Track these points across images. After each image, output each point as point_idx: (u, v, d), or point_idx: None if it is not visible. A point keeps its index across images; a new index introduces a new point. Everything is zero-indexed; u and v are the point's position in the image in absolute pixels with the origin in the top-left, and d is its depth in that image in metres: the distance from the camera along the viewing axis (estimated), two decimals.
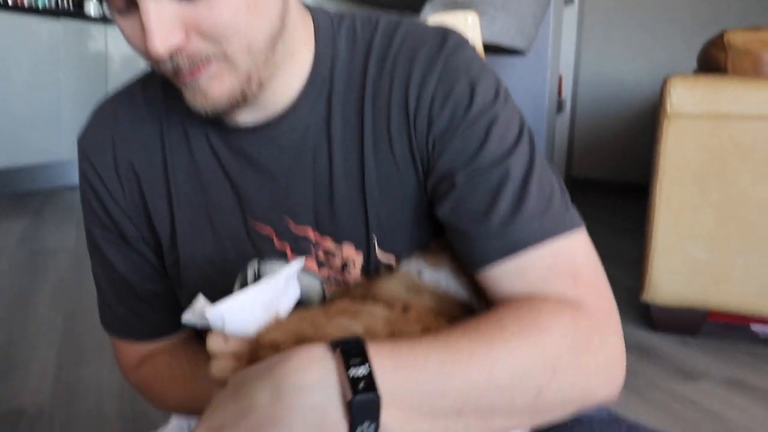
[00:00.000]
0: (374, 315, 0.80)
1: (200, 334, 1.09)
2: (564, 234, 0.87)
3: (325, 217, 1.00)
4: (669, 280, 2.60)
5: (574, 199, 0.92)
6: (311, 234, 1.02)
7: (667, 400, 2.19)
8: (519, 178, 0.89)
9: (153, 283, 1.12)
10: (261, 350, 0.73)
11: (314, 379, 0.63)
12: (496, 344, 0.75)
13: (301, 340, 0.72)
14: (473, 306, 0.93)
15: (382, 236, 1.03)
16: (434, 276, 0.95)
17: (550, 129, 4.73)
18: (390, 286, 0.92)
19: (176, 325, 1.15)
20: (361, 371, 0.63)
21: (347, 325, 0.77)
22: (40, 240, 4.04)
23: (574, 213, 0.90)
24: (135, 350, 1.18)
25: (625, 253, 3.74)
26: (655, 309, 2.71)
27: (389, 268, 0.94)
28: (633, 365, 2.46)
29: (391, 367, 0.67)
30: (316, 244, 1.02)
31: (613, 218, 4.85)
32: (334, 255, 1.02)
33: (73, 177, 5.69)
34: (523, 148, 0.91)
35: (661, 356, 2.54)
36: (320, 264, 1.03)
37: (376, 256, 1.00)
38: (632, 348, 2.61)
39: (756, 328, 2.80)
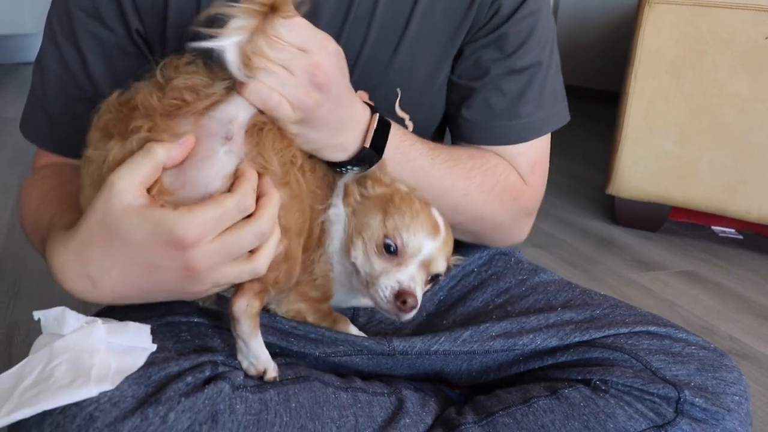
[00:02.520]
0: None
1: None
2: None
3: (350, 57, 0.99)
4: (635, 173, 2.58)
5: None
6: None
7: (623, 287, 2.20)
8: (546, 74, 1.17)
9: (99, 90, 1.07)
10: None
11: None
12: (477, 179, 1.12)
13: None
14: None
15: (404, 92, 1.13)
16: None
17: None
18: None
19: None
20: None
21: None
22: (0, 109, 3.93)
23: (566, 108, 1.23)
24: (47, 158, 1.17)
25: (597, 154, 3.71)
26: (619, 202, 2.70)
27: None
28: (593, 254, 2.47)
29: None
30: None
31: (588, 121, 4.80)
32: None
33: (33, 53, 5.41)
34: (553, 47, 1.19)
35: (620, 248, 2.55)
36: None
37: (394, 110, 1.14)
38: (594, 238, 2.62)
39: (717, 228, 2.80)
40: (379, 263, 0.98)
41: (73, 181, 0.95)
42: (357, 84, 1.01)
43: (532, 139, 1.18)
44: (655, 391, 0.90)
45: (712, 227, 2.80)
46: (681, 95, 2.46)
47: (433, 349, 1.02)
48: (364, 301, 1.08)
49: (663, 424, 0.89)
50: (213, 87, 0.86)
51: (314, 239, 1.01)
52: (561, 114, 1.22)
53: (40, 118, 1.15)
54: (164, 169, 0.82)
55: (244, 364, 0.91)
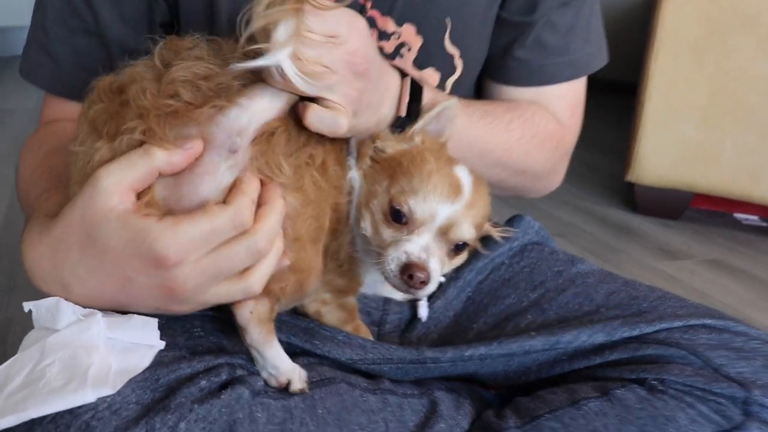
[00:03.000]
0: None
1: None
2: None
3: None
4: (655, 159, 2.49)
5: None
6: (368, 5, 1.01)
7: (651, 276, 2.12)
8: (591, 6, 1.17)
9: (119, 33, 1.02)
10: None
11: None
12: (517, 131, 1.09)
13: None
14: None
15: (453, 25, 1.07)
16: None
17: None
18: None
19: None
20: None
21: None
22: None
23: (606, 47, 1.22)
24: (52, 109, 1.11)
25: (610, 143, 3.62)
26: (639, 189, 2.61)
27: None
28: (614, 243, 2.38)
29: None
30: (371, 20, 0.98)
31: (601, 112, 4.72)
32: (389, 37, 1.02)
33: None
34: None
35: (642, 236, 2.47)
36: None
37: (443, 44, 1.07)
38: (613, 227, 2.53)
39: (739, 215, 2.71)
40: (388, 233, 0.88)
41: None
42: (403, 13, 0.96)
43: (582, 75, 1.18)
44: (719, 390, 0.81)
45: (735, 214, 2.71)
46: (702, 77, 2.37)
47: (467, 354, 0.93)
48: (400, 294, 1.00)
49: (730, 429, 0.79)
50: (220, 79, 0.75)
51: (344, 225, 0.92)
52: (603, 52, 1.21)
53: (39, 56, 1.08)
54: (159, 176, 0.73)
55: (264, 375, 0.81)
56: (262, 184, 0.76)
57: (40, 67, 1.09)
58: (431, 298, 1.05)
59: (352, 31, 0.79)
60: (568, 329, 0.93)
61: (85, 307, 0.76)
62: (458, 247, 0.91)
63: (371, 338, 0.98)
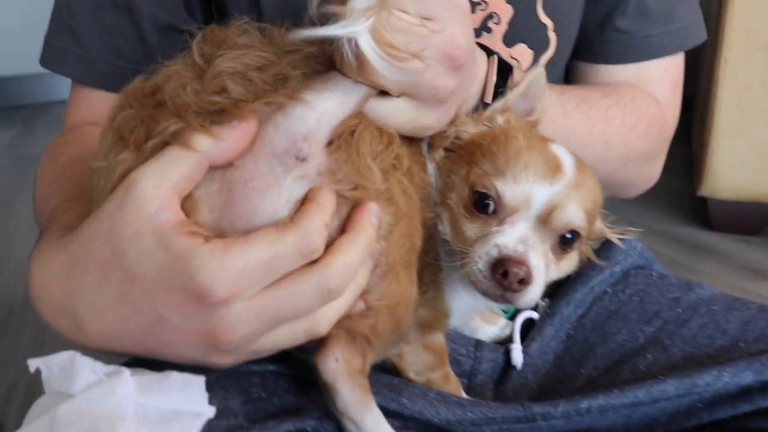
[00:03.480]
0: None
1: None
2: None
3: None
4: (731, 171, 2.30)
5: None
6: None
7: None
8: None
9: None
10: None
11: None
12: (617, 119, 0.95)
13: None
14: None
15: None
16: None
17: None
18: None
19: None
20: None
21: None
22: (29, 147, 3.82)
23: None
24: (78, 107, 0.98)
25: (670, 158, 3.44)
26: (714, 205, 2.41)
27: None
28: (693, 264, 2.20)
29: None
30: None
31: None
32: (474, 9, 0.90)
33: (67, 90, 5.36)
34: None
35: (722, 255, 2.28)
36: None
37: (536, 14, 0.95)
38: (689, 246, 2.34)
39: None
40: (471, 228, 0.72)
41: None
42: None
43: (688, 46, 1.06)
44: None
45: None
46: None
47: (583, 407, 0.76)
48: (491, 330, 0.87)
49: None
50: (277, 69, 0.61)
51: (431, 244, 0.76)
52: (703, 22, 1.08)
53: (62, 38, 0.96)
54: (205, 181, 0.58)
55: None
56: (339, 197, 0.60)
57: (63, 51, 0.96)
58: (524, 340, 0.89)
59: (455, 13, 0.64)
60: (704, 369, 0.76)
61: (98, 350, 0.60)
62: (566, 241, 0.74)
63: (462, 391, 0.82)
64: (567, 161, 0.74)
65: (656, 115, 1.02)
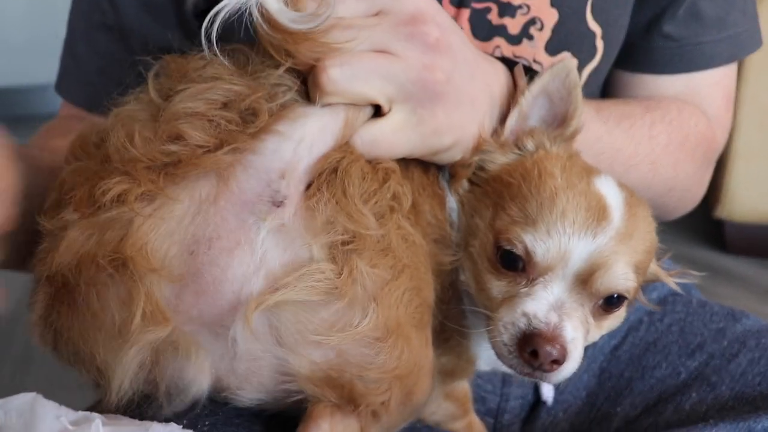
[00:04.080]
0: None
1: None
2: None
3: None
4: (750, 193, 2.23)
5: None
6: None
7: None
8: None
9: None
10: None
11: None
12: (662, 137, 0.85)
13: None
14: None
15: None
16: None
17: None
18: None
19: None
20: None
21: None
22: None
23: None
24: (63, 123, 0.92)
25: None
26: (731, 227, 2.35)
27: None
28: (711, 288, 2.11)
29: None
30: None
31: None
32: (514, 12, 0.81)
33: None
34: None
35: (740, 279, 2.21)
36: (489, 26, 0.80)
37: (584, 19, 0.84)
38: (705, 270, 2.22)
39: None
40: (496, 286, 0.62)
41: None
42: None
43: (743, 56, 0.97)
44: None
45: None
46: None
47: None
48: None
49: None
50: (247, 102, 0.53)
51: (452, 294, 0.66)
52: (759, 29, 0.97)
53: (67, 60, 0.94)
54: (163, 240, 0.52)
55: None
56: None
57: (67, 75, 0.94)
58: None
59: None
60: (758, 411, 0.69)
61: None
62: (610, 302, 0.63)
63: None
64: (615, 202, 0.63)
65: (704, 134, 0.92)
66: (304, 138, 0.53)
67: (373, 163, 0.57)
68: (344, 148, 0.55)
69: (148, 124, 0.53)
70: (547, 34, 0.82)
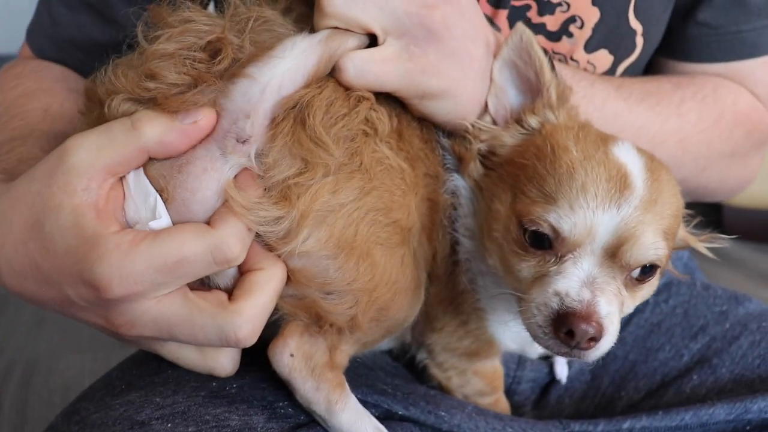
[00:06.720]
0: None
1: None
2: None
3: None
4: None
5: None
6: None
7: None
8: None
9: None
10: None
11: None
12: (692, 114, 0.83)
13: None
14: None
15: None
16: None
17: None
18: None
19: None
20: None
21: None
22: None
23: None
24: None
25: None
26: (729, 211, 2.38)
27: None
28: (709, 270, 2.13)
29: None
30: None
31: None
32: (553, 10, 0.79)
33: None
34: None
35: (738, 262, 2.24)
36: (528, 24, 0.76)
37: (626, 18, 0.82)
38: (702, 253, 2.29)
39: None
40: (526, 267, 0.61)
41: (55, 91, 0.76)
42: None
43: None
44: None
45: None
46: None
47: (625, 427, 0.71)
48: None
49: None
50: (222, 44, 0.56)
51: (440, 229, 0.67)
52: None
53: (44, 22, 0.90)
54: (150, 160, 0.54)
55: None
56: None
57: (41, 30, 0.91)
58: None
59: None
60: (758, 393, 0.71)
61: (16, 293, 0.57)
62: (643, 272, 0.62)
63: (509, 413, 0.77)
64: (635, 169, 0.61)
65: (745, 112, 0.88)
66: (272, 79, 0.55)
67: (347, 91, 0.59)
68: (319, 82, 0.57)
69: (134, 65, 0.57)
70: (587, 32, 0.81)
